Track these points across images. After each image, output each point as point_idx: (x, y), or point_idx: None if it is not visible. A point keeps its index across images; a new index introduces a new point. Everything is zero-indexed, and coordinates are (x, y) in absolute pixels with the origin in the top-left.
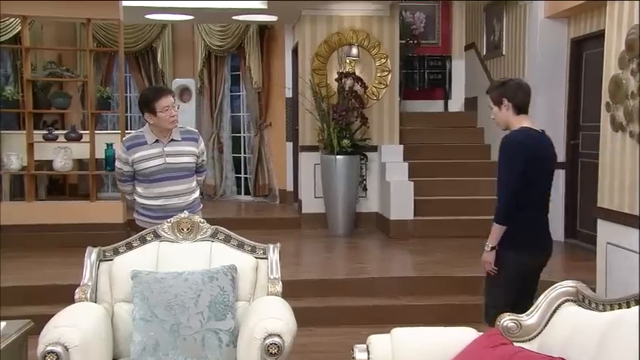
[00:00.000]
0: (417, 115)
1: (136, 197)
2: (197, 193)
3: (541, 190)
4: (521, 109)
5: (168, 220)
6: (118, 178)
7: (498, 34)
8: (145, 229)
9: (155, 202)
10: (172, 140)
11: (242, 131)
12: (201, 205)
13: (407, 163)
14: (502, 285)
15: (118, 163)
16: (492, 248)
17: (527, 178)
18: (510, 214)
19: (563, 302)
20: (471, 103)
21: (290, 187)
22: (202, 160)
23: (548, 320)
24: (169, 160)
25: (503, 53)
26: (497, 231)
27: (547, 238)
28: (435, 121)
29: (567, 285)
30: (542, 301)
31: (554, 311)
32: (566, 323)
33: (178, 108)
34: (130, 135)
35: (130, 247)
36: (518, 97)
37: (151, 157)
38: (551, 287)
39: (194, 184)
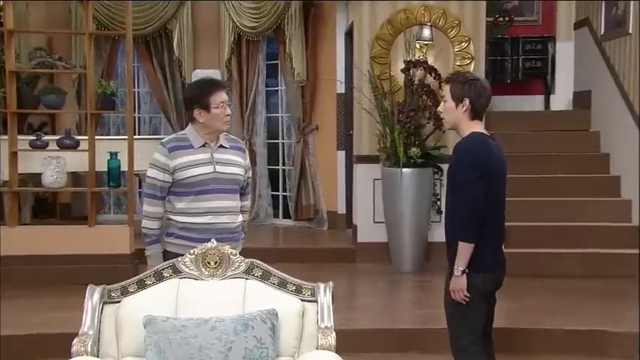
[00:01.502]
0: (509, 114)
1: (171, 217)
2: (241, 216)
3: (498, 203)
4: (478, 114)
5: (191, 251)
6: (148, 193)
7: (623, 6)
8: (182, 255)
9: (200, 219)
10: (221, 147)
11: (280, 137)
12: (244, 234)
13: None
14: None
15: (152, 172)
16: (463, 272)
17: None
18: (477, 227)
19: None
20: (582, 98)
21: (342, 209)
22: (248, 177)
23: None
24: (219, 168)
25: (630, 32)
26: (465, 250)
27: (501, 257)
28: (532, 122)
29: None
30: None
31: None
32: None
33: (231, 107)
34: (171, 136)
35: (142, 285)
36: (481, 101)
37: (199, 164)
38: None
39: (239, 203)
